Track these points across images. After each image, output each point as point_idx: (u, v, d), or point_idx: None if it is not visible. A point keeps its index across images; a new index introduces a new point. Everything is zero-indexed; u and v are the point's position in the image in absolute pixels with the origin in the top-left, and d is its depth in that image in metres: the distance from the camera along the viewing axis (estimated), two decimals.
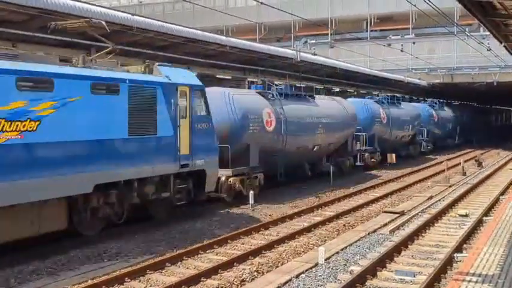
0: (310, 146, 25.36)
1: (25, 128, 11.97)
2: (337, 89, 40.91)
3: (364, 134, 31.58)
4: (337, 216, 18.51)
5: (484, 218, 17.60)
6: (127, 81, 14.62)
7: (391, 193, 23.76)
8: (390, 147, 35.49)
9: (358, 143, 31.14)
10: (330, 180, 25.97)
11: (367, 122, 32.42)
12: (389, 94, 41.01)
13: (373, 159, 32.58)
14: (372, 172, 31.56)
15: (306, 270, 12.06)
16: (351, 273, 11.89)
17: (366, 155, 31.60)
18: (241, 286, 11.31)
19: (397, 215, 18.42)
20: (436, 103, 49.39)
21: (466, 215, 18.30)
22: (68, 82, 13.01)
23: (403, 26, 51.82)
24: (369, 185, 26.00)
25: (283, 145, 23.13)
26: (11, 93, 11.78)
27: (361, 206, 20.49)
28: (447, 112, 51.90)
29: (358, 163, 30.80)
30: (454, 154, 46.15)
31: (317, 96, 27.57)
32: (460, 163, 32.85)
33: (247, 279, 11.66)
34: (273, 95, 23.54)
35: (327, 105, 27.25)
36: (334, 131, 26.90)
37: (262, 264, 12.74)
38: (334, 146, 27.63)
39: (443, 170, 30.14)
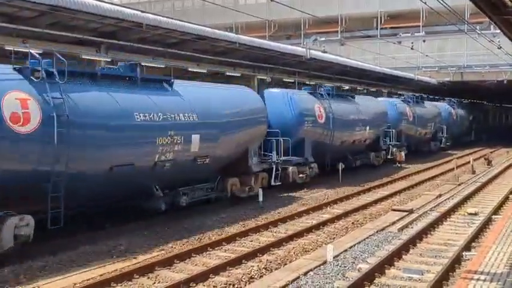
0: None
1: None
2: (347, 87, 40.87)
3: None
4: (346, 214, 18.52)
5: (493, 216, 17.55)
6: None
7: (400, 191, 23.73)
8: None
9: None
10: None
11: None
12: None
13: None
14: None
15: (314, 268, 12.08)
16: (359, 270, 11.89)
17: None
18: (249, 283, 11.34)
19: (406, 213, 18.40)
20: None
21: (475, 214, 18.25)
22: None
23: (413, 24, 51.69)
24: (377, 183, 26.00)
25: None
26: None
27: (370, 204, 20.49)
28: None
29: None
30: (468, 151, 46.19)
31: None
32: (469, 161, 32.70)
33: (256, 276, 11.70)
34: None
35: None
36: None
37: (271, 262, 12.77)
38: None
39: (453, 169, 30.05)
